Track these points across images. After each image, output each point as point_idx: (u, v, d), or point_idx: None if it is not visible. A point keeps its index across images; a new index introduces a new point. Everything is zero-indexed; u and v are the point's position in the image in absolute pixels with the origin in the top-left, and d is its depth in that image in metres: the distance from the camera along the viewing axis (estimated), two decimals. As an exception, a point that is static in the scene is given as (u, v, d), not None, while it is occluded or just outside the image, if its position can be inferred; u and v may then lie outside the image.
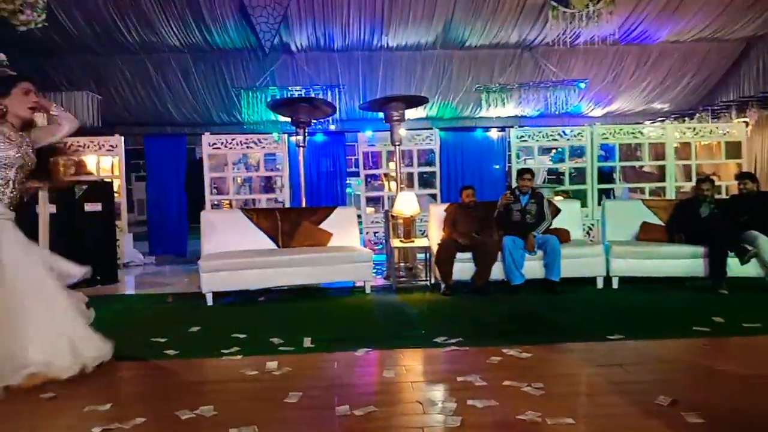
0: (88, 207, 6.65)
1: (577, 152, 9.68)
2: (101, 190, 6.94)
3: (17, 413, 2.86)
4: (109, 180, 7.91)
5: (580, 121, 12.65)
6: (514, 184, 6.39)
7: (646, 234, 6.06)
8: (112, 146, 8.17)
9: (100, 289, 6.34)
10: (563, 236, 5.84)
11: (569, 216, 6.23)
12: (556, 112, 12.92)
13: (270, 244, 6.10)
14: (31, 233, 4.49)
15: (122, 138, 8.24)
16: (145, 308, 5.40)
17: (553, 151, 12.50)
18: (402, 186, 7.22)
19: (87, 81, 12.50)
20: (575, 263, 5.65)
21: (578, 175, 9.31)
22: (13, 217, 3.21)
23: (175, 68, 12.50)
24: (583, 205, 7.74)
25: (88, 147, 8.16)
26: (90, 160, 9.14)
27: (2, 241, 3.10)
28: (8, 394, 2.99)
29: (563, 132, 8.62)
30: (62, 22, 10.72)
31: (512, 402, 2.79)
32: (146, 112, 13.39)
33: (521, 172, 6.03)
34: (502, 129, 9.01)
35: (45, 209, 4.69)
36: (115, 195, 7.62)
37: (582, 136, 8.48)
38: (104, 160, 8.85)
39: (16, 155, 3.09)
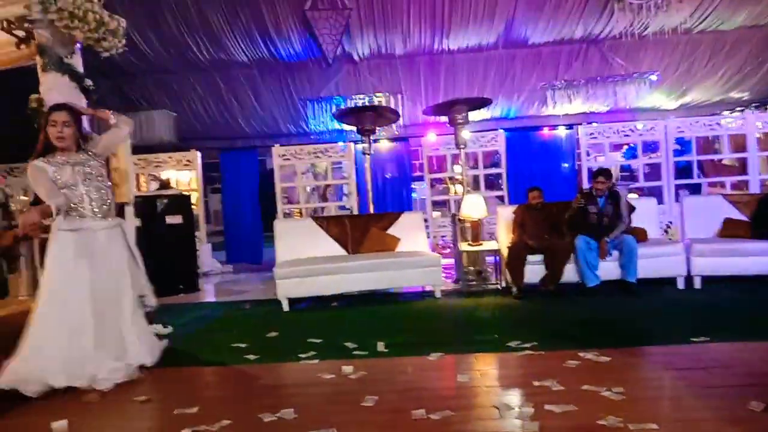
0: (170, 219, 7.03)
1: (651, 147, 9.33)
2: (181, 203, 7.32)
3: (111, 413, 3.08)
4: (188, 193, 8.32)
5: (652, 114, 12.17)
6: (585, 185, 6.17)
7: (729, 230, 5.77)
8: (189, 161, 8.60)
9: (183, 298, 6.69)
10: (640, 235, 5.65)
11: (645, 214, 6.02)
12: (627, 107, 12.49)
13: (340, 251, 6.23)
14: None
15: (198, 153, 8.66)
16: (225, 315, 5.64)
17: (625, 147, 12.07)
18: (468, 189, 7.19)
19: (163, 99, 13.18)
20: (654, 263, 5.45)
21: (652, 172, 8.97)
22: (108, 226, 3.46)
23: (244, 83, 12.96)
24: (659, 201, 7.45)
25: (167, 163, 8.63)
26: (167, 175, 9.65)
27: (95, 249, 3.36)
28: (103, 396, 3.23)
29: (635, 127, 8.33)
30: (139, 45, 11.36)
31: (592, 407, 2.74)
32: (218, 127, 13.95)
33: (596, 174, 5.74)
34: (570, 126, 8.81)
35: (131, 222, 4.98)
36: (193, 207, 8.00)
37: (655, 130, 8.17)
38: (182, 174, 9.31)
39: (72, 173, 3.32)
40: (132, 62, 11.89)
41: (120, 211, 5.49)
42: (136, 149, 7.72)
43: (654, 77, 12.24)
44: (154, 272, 5.48)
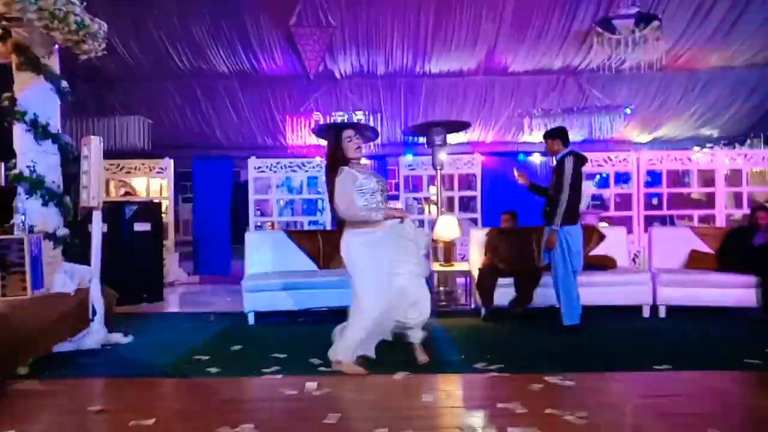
0: (138, 227, 6.87)
1: (622, 178, 9.50)
2: (150, 210, 7.17)
3: (62, 424, 2.95)
4: (158, 201, 8.18)
5: (625, 146, 12.44)
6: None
7: (695, 262, 5.87)
8: (161, 168, 8.47)
9: (146, 307, 6.52)
10: (609, 263, 5.72)
11: (615, 242, 6.10)
12: (601, 138, 12.77)
13: (311, 265, 6.15)
14: (84, 251, 4.70)
15: (171, 161, 8.54)
16: (188, 326, 5.49)
17: (597, 176, 12.31)
18: (442, 210, 7.21)
19: (139, 106, 13.02)
20: (621, 291, 5.51)
21: (623, 202, 9.13)
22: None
23: (223, 93, 12.91)
24: (629, 231, 7.56)
25: (139, 169, 8.49)
26: (139, 182, 9.48)
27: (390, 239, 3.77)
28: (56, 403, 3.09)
29: (608, 158, 8.49)
30: (119, 51, 11.24)
31: (553, 430, 2.72)
32: (193, 136, 13.82)
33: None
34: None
35: (98, 228, 4.85)
36: (163, 215, 7.85)
37: (628, 161, 8.34)
38: (153, 182, 9.16)
39: (376, 183, 3.74)
40: (111, 68, 11.76)
41: (87, 217, 5.35)
42: (107, 154, 7.57)
43: (628, 110, 12.55)
44: (117, 280, 5.37)
